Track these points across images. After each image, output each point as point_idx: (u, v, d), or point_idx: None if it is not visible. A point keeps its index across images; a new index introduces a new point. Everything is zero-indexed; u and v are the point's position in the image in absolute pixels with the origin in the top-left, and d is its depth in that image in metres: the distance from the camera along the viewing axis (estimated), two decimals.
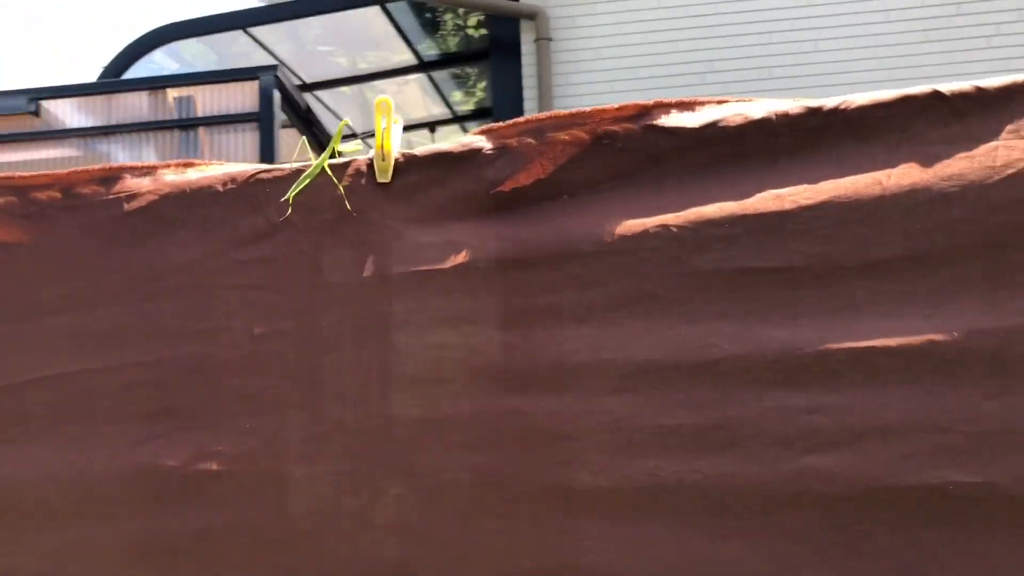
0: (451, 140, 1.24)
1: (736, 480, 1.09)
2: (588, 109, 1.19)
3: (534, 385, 1.16)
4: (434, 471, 1.16)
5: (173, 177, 1.30)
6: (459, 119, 8.17)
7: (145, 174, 1.31)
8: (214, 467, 1.22)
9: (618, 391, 1.13)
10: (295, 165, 1.27)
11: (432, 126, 8.28)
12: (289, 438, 1.20)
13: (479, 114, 7.69)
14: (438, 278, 1.20)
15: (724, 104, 1.17)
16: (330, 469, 1.19)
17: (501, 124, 1.23)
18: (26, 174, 1.33)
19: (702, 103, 1.17)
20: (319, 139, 4.93)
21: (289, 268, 1.24)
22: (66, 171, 1.31)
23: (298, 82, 6.98)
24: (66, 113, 4.11)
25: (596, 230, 1.16)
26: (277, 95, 3.93)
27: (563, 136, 1.19)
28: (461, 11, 6.14)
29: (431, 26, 6.73)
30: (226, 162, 1.31)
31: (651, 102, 1.18)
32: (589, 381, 1.14)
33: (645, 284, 1.14)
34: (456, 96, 7.94)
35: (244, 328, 1.24)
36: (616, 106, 1.18)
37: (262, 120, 3.88)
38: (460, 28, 6.73)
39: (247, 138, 3.91)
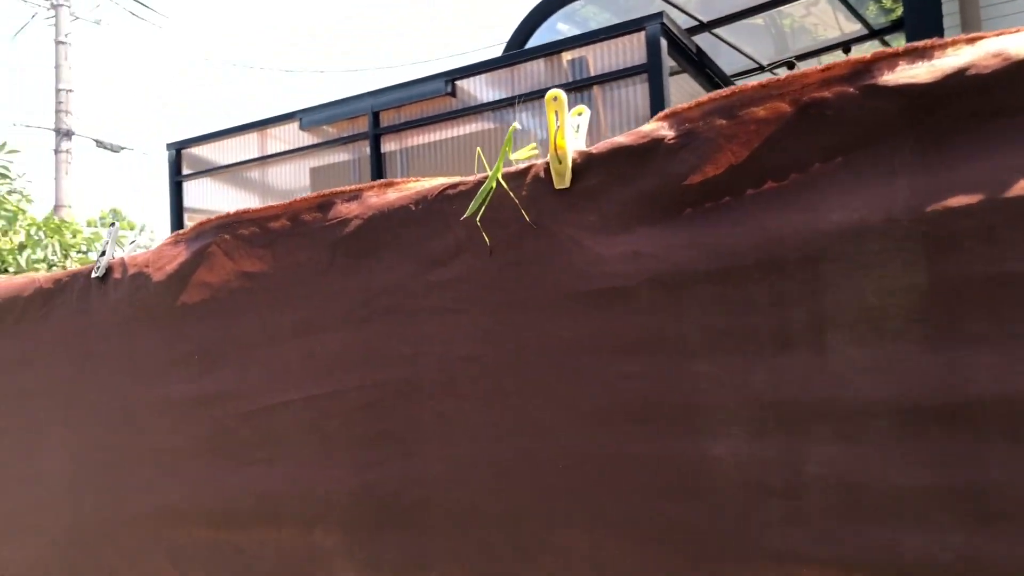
0: (628, 133, 1.05)
1: (1003, 565, 0.80)
2: (787, 75, 0.93)
3: (735, 426, 0.95)
4: (623, 516, 1.02)
5: (375, 200, 1.28)
6: (876, 34, 7.34)
7: (352, 198, 1.30)
8: (420, 495, 1.19)
9: (840, 438, 0.89)
10: (481, 176, 1.18)
11: (846, 46, 7.57)
12: (480, 466, 1.13)
13: (899, 26, 6.80)
14: (622, 296, 1.03)
15: (976, 42, 0.84)
16: (520, 504, 1.10)
17: (684, 106, 1.01)
18: (260, 207, 1.40)
19: (943, 46, 0.85)
20: (713, 81, 4.70)
21: (476, 289, 1.15)
22: (289, 201, 1.36)
23: (694, 23, 6.76)
24: (477, 89, 4.36)
25: (804, 231, 0.91)
26: (664, 43, 3.81)
27: (759, 112, 0.95)
28: None
29: None
30: (422, 179, 1.26)
31: (870, 55, 0.88)
32: (802, 424, 0.91)
33: (869, 299, 0.87)
34: (871, 9, 7.12)
35: (441, 353, 1.18)
36: (822, 67, 0.90)
37: (651, 70, 3.79)
38: None
39: (638, 91, 3.86)
